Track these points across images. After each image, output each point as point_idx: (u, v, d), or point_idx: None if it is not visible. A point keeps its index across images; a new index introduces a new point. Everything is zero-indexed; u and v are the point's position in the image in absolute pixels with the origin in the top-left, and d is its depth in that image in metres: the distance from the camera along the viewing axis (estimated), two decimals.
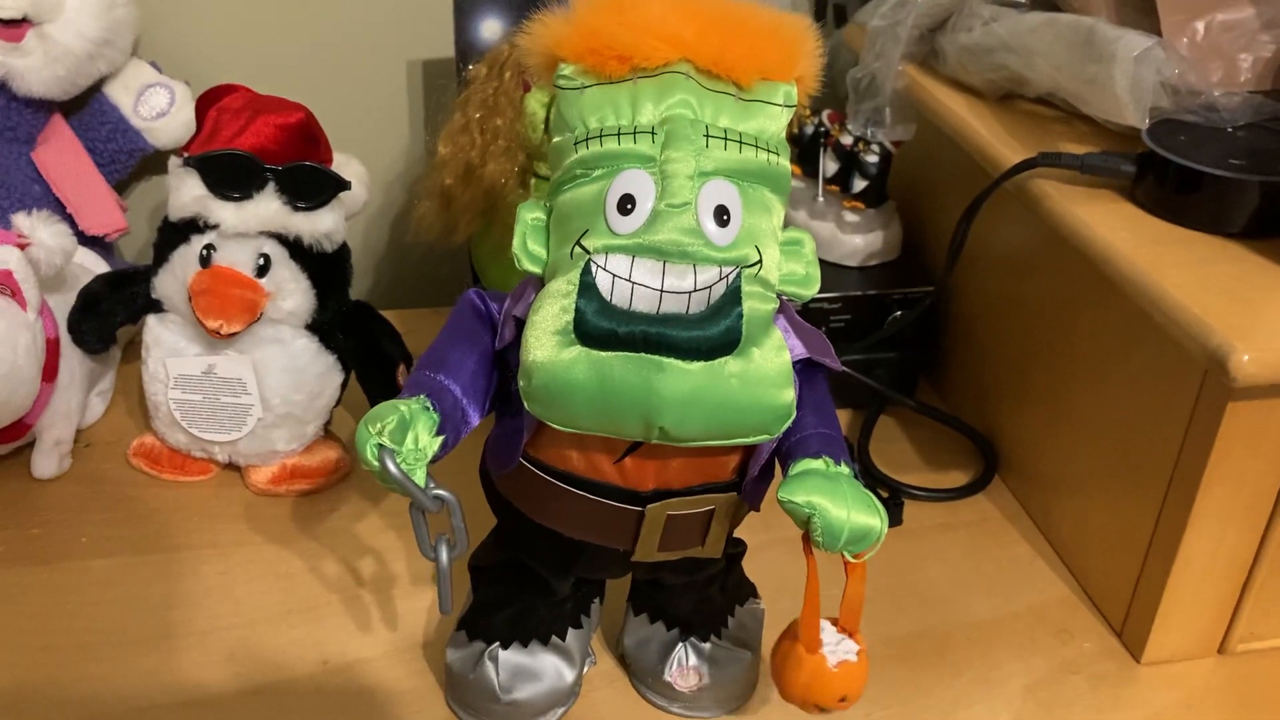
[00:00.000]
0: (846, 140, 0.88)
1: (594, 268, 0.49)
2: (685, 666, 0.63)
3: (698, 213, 0.49)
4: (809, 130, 0.90)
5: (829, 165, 0.89)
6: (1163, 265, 0.63)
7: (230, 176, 0.70)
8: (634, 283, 0.48)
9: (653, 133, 0.49)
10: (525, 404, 0.51)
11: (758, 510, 0.57)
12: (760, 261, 0.50)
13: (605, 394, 0.48)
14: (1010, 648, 0.70)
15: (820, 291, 0.83)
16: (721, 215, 0.49)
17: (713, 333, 0.48)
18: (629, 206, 0.49)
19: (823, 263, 0.88)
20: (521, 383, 0.50)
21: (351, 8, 0.92)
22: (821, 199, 0.89)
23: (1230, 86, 0.69)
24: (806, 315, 0.85)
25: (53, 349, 0.73)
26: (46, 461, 0.76)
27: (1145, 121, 0.68)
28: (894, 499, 0.79)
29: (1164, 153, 0.67)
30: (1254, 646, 0.70)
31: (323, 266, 0.73)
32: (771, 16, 0.51)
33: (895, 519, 0.78)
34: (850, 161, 0.88)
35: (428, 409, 0.52)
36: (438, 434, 0.52)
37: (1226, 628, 0.69)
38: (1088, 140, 0.74)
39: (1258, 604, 0.68)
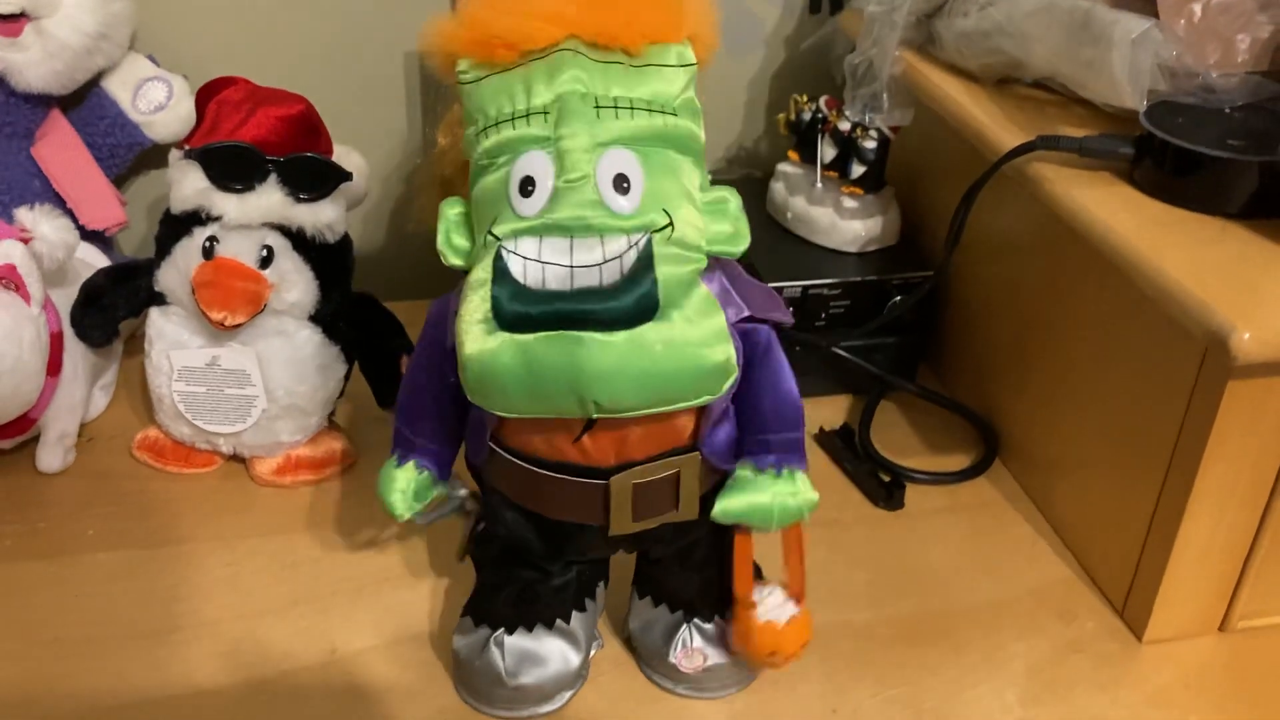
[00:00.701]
0: (844, 126, 0.88)
1: (505, 253, 0.49)
2: (690, 648, 0.64)
3: (597, 184, 0.49)
4: (806, 116, 0.90)
5: (827, 151, 0.89)
6: (1162, 246, 0.64)
7: (232, 168, 0.70)
8: (544, 262, 0.49)
9: (545, 113, 0.50)
10: (468, 396, 0.52)
11: (730, 466, 0.58)
12: (671, 224, 0.50)
13: (533, 376, 0.49)
14: (1013, 628, 0.70)
15: (820, 277, 0.86)
16: (621, 183, 0.50)
17: (627, 301, 0.48)
18: (530, 188, 0.50)
19: (822, 249, 0.89)
20: (462, 376, 0.51)
21: (346, 2, 0.92)
22: (820, 185, 0.89)
23: (1228, 68, 0.70)
24: (806, 302, 0.86)
25: (56, 343, 0.74)
26: (51, 456, 0.77)
27: (1143, 104, 0.69)
28: (894, 483, 0.79)
29: (1162, 134, 0.67)
30: (1255, 624, 0.71)
31: (325, 258, 0.74)
32: None
33: (896, 503, 0.78)
34: (848, 147, 0.88)
35: (420, 472, 0.61)
36: (437, 480, 0.62)
37: (1227, 606, 0.70)
38: (1085, 123, 0.74)
39: (1258, 582, 0.69)
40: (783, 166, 0.93)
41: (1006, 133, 0.74)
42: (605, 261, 0.49)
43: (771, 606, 0.60)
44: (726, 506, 0.58)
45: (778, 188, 0.92)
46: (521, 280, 0.49)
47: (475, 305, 0.50)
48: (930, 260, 0.88)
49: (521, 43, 0.51)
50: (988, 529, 0.78)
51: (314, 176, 0.72)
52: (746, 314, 0.55)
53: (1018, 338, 0.80)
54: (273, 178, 0.71)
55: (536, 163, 0.50)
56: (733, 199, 0.53)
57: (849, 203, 0.88)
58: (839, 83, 0.89)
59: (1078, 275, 0.72)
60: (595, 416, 0.51)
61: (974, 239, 0.81)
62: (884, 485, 0.79)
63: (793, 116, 0.91)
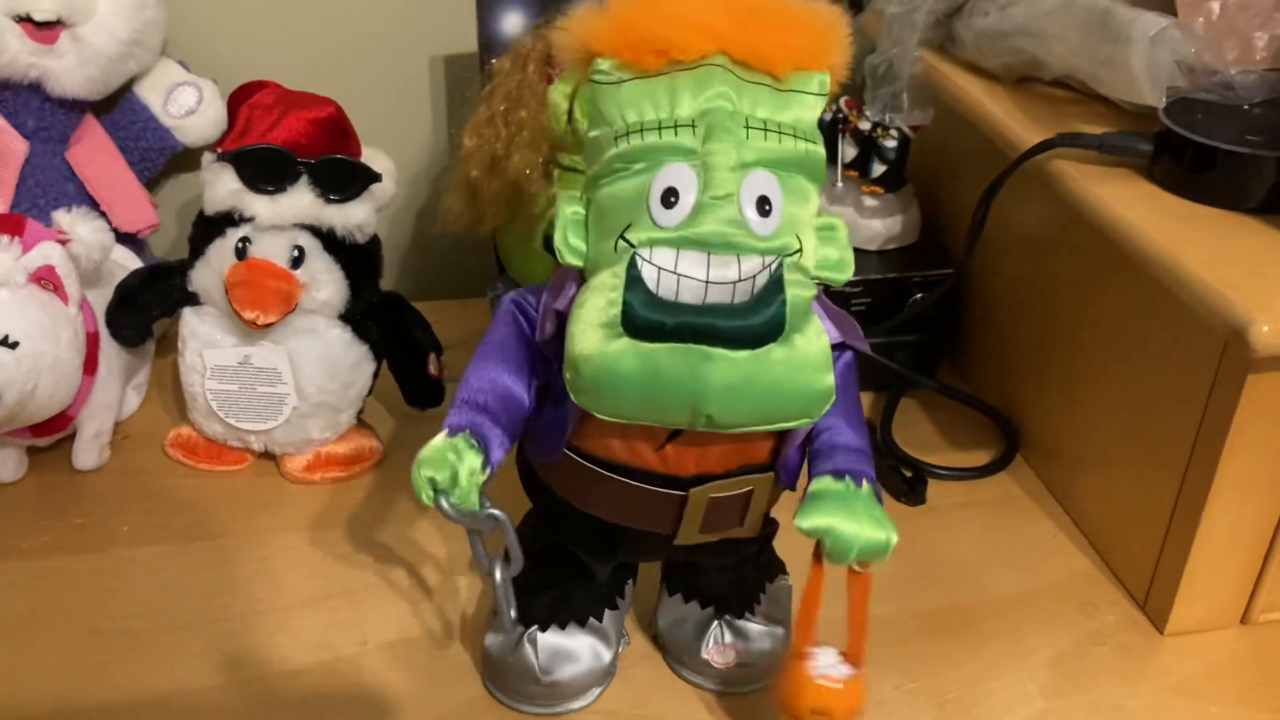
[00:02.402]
0: (865, 126, 0.88)
1: (640, 261, 0.49)
2: (721, 644, 0.65)
3: (740, 204, 0.49)
4: (827, 116, 0.91)
5: (848, 151, 0.90)
6: (1182, 241, 0.64)
7: (264, 170, 0.72)
8: (679, 274, 0.49)
9: (693, 125, 0.50)
10: (572, 396, 0.52)
11: (793, 490, 0.58)
12: (800, 249, 0.51)
13: (654, 385, 0.49)
14: (1035, 621, 0.71)
15: None
16: (763, 205, 0.50)
17: (758, 321, 0.49)
18: (672, 199, 0.50)
19: None
20: (568, 375, 0.51)
21: (375, 5, 0.93)
22: (840, 184, 0.90)
23: (1246, 64, 0.70)
24: (829, 299, 0.86)
25: (92, 342, 0.75)
26: (87, 453, 0.78)
27: (1162, 101, 0.69)
28: (916, 478, 0.80)
29: (1181, 131, 0.68)
30: (1276, 617, 0.71)
31: (355, 257, 0.75)
32: (804, 7, 0.52)
33: (918, 498, 0.79)
34: (869, 147, 0.89)
35: (472, 446, 0.55)
36: (484, 467, 0.55)
37: (1249, 598, 0.70)
38: (1105, 121, 0.75)
39: None
40: None
41: (1026, 130, 0.75)
42: (740, 280, 0.49)
43: (825, 663, 0.57)
44: (814, 522, 0.55)
45: None
46: (654, 289, 0.49)
47: (600, 307, 0.50)
48: (951, 258, 0.89)
49: (673, 51, 0.50)
50: (1009, 523, 0.78)
51: (344, 178, 0.73)
52: (838, 339, 0.55)
53: (1039, 334, 0.81)
54: (304, 179, 0.72)
55: (681, 175, 0.50)
56: (841, 227, 0.53)
57: (870, 201, 0.89)
58: (860, 83, 0.90)
59: (1098, 271, 0.73)
60: (700, 429, 0.51)
61: (994, 236, 0.82)
62: (906, 481, 0.80)
63: None
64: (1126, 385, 0.72)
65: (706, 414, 0.50)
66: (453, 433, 0.56)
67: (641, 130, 0.51)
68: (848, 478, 0.55)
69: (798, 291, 0.50)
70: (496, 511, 0.56)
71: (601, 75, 0.52)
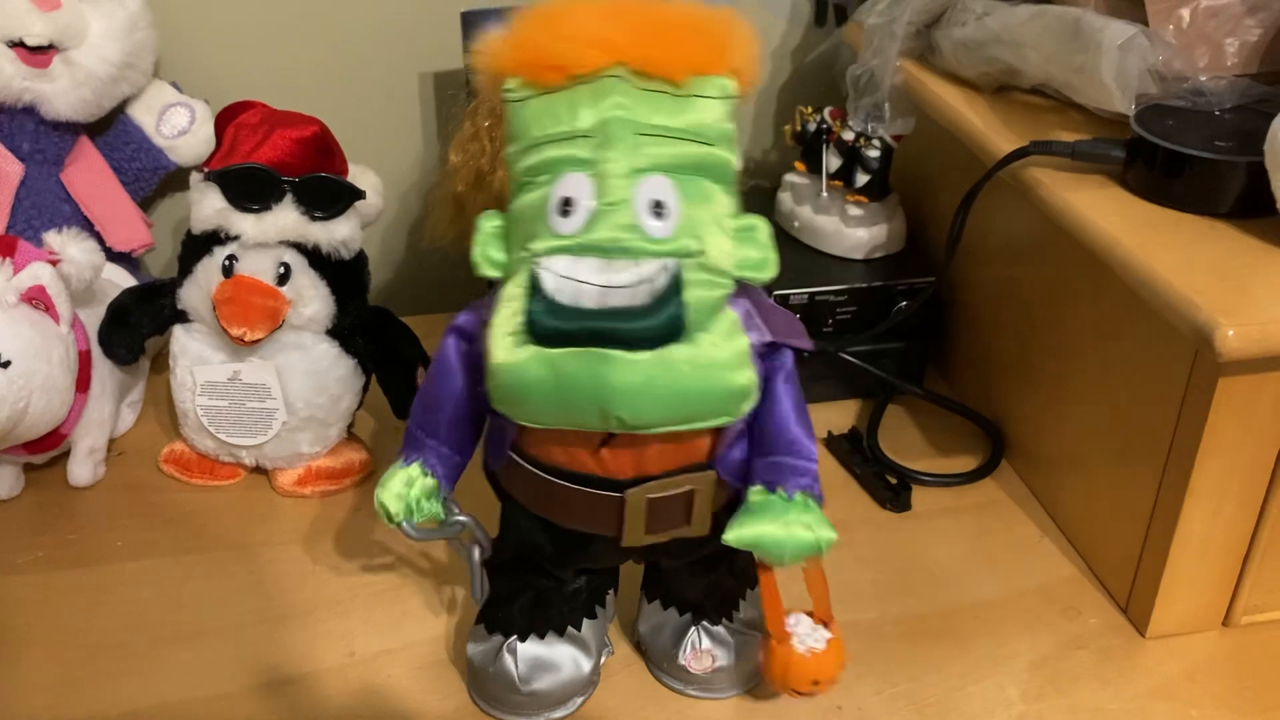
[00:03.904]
0: (848, 136, 0.89)
1: (540, 269, 0.51)
2: (699, 650, 0.65)
3: (634, 209, 0.51)
4: (811, 127, 0.92)
5: (832, 161, 0.91)
6: (1152, 247, 0.65)
7: (249, 189, 0.73)
8: (578, 281, 0.50)
9: (588, 136, 0.52)
10: (493, 405, 0.54)
11: (743, 485, 0.59)
12: (703, 250, 0.52)
13: (560, 390, 0.51)
14: (1017, 625, 0.71)
15: (827, 284, 0.87)
16: (658, 209, 0.51)
17: (656, 322, 0.50)
18: (569, 208, 0.51)
19: (828, 256, 0.91)
20: (489, 385, 0.53)
21: (364, 25, 0.95)
22: (825, 194, 0.91)
23: (1217, 71, 0.71)
24: (813, 308, 0.87)
25: (85, 360, 0.76)
26: (82, 469, 0.79)
27: (1132, 108, 0.70)
28: (901, 485, 0.81)
29: (1152, 137, 0.68)
30: (1258, 619, 0.71)
31: (341, 273, 0.76)
32: (699, 14, 0.53)
33: (902, 504, 0.80)
34: (852, 157, 0.89)
35: (425, 473, 0.61)
36: (438, 490, 0.61)
37: (1230, 601, 0.71)
38: (1081, 128, 0.75)
39: (1260, 576, 0.70)
40: (789, 176, 0.95)
41: (1002, 138, 0.76)
42: (638, 283, 0.50)
43: (805, 634, 0.60)
44: (740, 534, 0.57)
45: (785, 197, 0.94)
46: (555, 296, 0.50)
47: (507, 317, 0.51)
48: (935, 266, 0.89)
49: (570, 66, 0.52)
50: (994, 529, 0.79)
51: (328, 195, 0.74)
52: (769, 339, 0.56)
53: (1021, 340, 0.82)
54: (288, 197, 0.73)
55: (577, 184, 0.52)
56: (762, 226, 0.55)
57: (854, 211, 0.90)
58: (844, 94, 0.91)
59: (1075, 277, 0.74)
60: (616, 431, 0.53)
61: (976, 244, 0.82)
62: (891, 488, 0.80)
63: (798, 127, 0.93)
64: (1105, 390, 0.72)
65: (616, 416, 0.51)
66: (407, 462, 0.61)
67: (541, 143, 0.53)
68: (779, 490, 0.57)
69: (701, 292, 0.51)
70: (462, 518, 0.62)
71: (510, 94, 0.54)
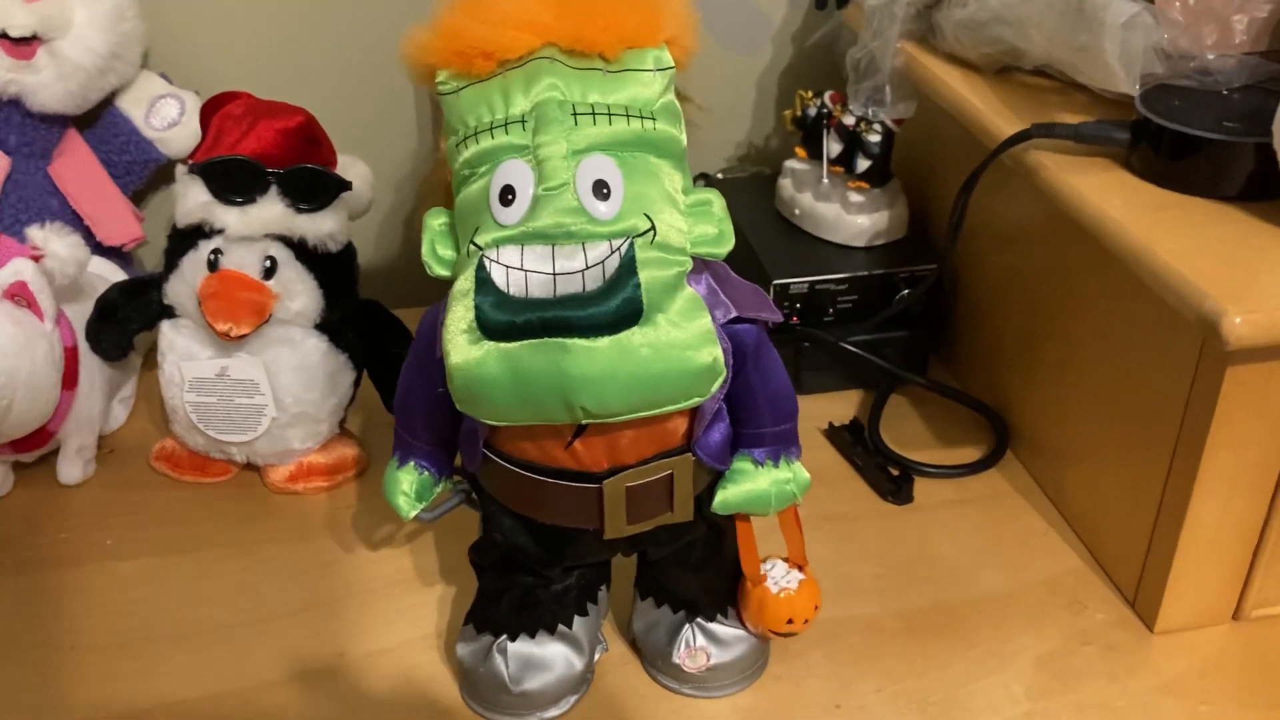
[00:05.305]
0: (849, 120, 0.88)
1: (487, 262, 0.50)
2: (693, 647, 0.64)
3: (577, 191, 0.50)
4: (811, 112, 0.90)
5: (832, 146, 0.89)
6: (1158, 232, 0.63)
7: (233, 182, 0.72)
8: (526, 270, 0.49)
9: (523, 121, 0.50)
10: (457, 405, 0.52)
11: (724, 466, 0.58)
12: (653, 229, 0.50)
13: (520, 384, 0.49)
14: (1022, 620, 0.70)
15: (828, 272, 0.86)
16: (601, 189, 0.50)
17: (610, 307, 0.49)
18: (510, 197, 0.50)
19: (830, 244, 0.89)
20: (450, 386, 0.52)
21: (357, 15, 0.93)
22: (826, 180, 0.89)
23: (1225, 49, 0.69)
24: (814, 297, 0.86)
25: (71, 357, 0.75)
26: (71, 467, 0.78)
27: (1137, 88, 0.68)
28: (903, 477, 0.79)
29: (1157, 119, 0.66)
30: (1269, 612, 0.70)
31: (329, 266, 0.75)
32: None
33: (904, 497, 0.78)
34: (853, 142, 0.88)
35: (420, 471, 0.62)
36: (436, 481, 0.62)
37: (1240, 594, 0.69)
38: (1085, 110, 0.74)
39: (1271, 569, 0.68)
40: (790, 163, 0.93)
41: (1005, 121, 0.74)
42: (587, 268, 0.49)
43: (779, 577, 0.62)
44: (726, 498, 0.58)
45: (785, 184, 0.92)
46: (504, 289, 0.49)
47: (459, 315, 0.50)
48: (937, 253, 0.88)
49: (498, 52, 0.51)
50: (998, 521, 0.77)
51: (313, 187, 0.73)
52: (734, 314, 0.55)
53: (1026, 328, 0.80)
54: (273, 189, 0.72)
55: (516, 171, 0.50)
56: (716, 200, 0.53)
57: (855, 197, 0.88)
58: (845, 77, 0.89)
59: (1080, 263, 0.72)
60: (584, 422, 0.51)
61: (980, 230, 0.80)
62: (893, 480, 0.79)
63: (798, 112, 0.91)
64: (1111, 378, 0.71)
65: (580, 406, 0.50)
66: (401, 463, 0.61)
67: (477, 133, 0.52)
68: (765, 459, 0.58)
69: (656, 272, 0.50)
70: (465, 485, 0.63)
71: (442, 86, 0.53)
